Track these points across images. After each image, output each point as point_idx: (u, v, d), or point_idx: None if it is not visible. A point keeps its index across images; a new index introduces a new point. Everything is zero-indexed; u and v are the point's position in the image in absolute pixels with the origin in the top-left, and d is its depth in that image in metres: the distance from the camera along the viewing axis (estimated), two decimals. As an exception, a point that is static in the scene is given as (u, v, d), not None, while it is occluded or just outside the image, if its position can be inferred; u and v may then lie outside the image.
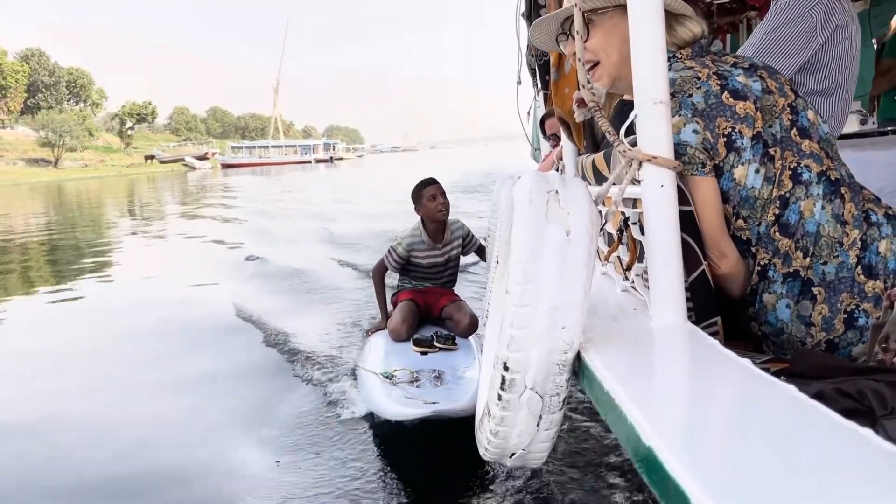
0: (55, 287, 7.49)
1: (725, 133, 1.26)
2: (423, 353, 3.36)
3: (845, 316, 1.27)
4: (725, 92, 1.27)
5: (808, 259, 1.28)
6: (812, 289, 1.28)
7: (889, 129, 3.38)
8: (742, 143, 1.26)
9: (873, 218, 1.29)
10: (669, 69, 1.31)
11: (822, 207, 1.27)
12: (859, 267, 1.27)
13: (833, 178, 1.29)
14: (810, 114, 1.33)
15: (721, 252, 1.28)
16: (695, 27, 1.39)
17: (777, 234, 1.29)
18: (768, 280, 1.30)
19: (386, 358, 3.34)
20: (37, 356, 4.73)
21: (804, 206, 1.27)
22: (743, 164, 1.27)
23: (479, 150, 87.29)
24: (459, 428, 2.46)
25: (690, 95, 1.26)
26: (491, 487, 2.48)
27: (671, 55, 1.35)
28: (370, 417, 3.06)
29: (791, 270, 1.29)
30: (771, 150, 1.28)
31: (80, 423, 3.33)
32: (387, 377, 2.98)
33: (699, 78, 1.28)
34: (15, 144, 65.25)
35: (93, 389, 3.89)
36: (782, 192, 1.28)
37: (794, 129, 1.30)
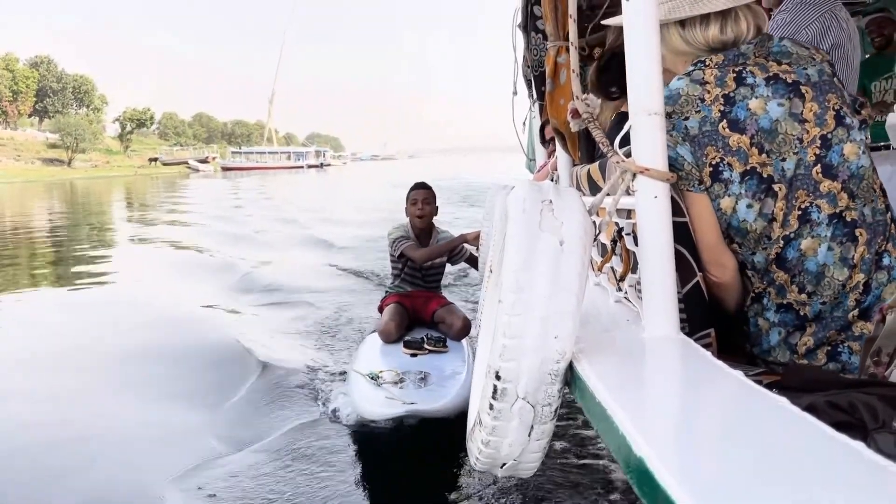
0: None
1: (713, 163, 1.23)
2: (413, 356, 3.38)
3: (829, 348, 1.25)
4: (724, 121, 1.22)
5: (803, 295, 1.24)
6: (805, 323, 1.26)
7: (881, 143, 3.41)
8: (729, 176, 1.23)
9: (885, 261, 1.24)
10: (688, 75, 1.27)
11: (830, 249, 1.22)
12: (857, 310, 1.23)
13: (849, 220, 1.22)
14: (847, 148, 1.23)
15: (721, 264, 1.27)
16: (721, 32, 1.26)
17: (774, 266, 1.26)
18: (762, 306, 1.29)
19: (376, 359, 3.36)
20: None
21: (805, 244, 1.23)
22: (730, 196, 1.24)
23: (455, 161, 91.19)
24: (448, 432, 2.43)
25: (686, 118, 1.24)
26: (477, 491, 2.46)
27: (700, 60, 1.28)
28: (354, 418, 3.02)
29: (785, 302, 1.27)
30: (775, 187, 1.22)
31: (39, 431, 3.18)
32: (372, 378, 3.00)
33: (703, 100, 1.23)
34: (26, 145, 67.16)
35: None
36: (787, 232, 1.23)
37: (819, 164, 1.22)
